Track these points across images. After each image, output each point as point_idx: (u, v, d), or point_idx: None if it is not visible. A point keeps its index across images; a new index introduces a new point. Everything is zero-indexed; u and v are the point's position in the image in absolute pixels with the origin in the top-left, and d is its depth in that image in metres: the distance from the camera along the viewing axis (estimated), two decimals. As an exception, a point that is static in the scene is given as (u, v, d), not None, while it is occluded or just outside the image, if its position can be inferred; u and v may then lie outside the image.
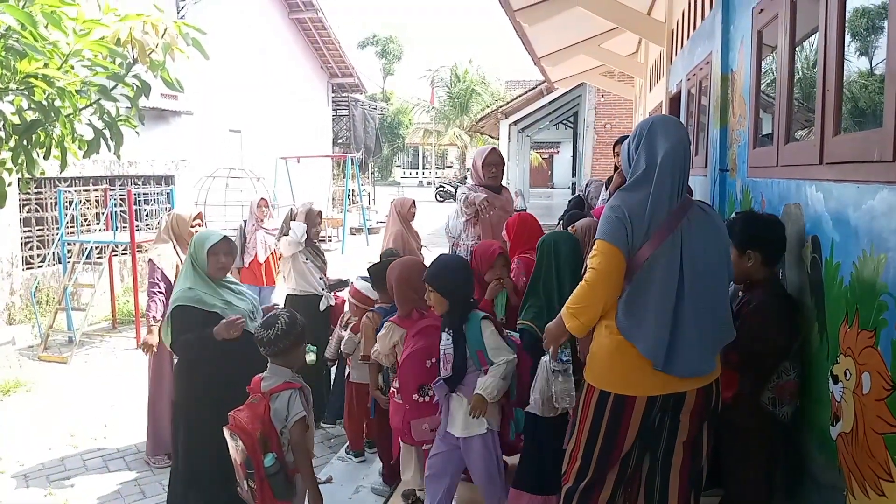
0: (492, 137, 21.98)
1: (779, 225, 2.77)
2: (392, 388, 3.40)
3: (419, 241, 5.92)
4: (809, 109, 2.75)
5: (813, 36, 2.68)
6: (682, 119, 6.52)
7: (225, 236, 3.30)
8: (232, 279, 3.46)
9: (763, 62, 3.54)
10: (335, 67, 18.08)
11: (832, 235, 2.33)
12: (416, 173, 49.13)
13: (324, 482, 2.84)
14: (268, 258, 6.38)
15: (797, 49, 2.94)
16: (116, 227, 8.25)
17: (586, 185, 5.91)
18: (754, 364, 2.64)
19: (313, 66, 17.50)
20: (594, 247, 2.39)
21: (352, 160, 16.96)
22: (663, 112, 7.56)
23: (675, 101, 7.03)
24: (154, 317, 4.22)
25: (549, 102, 18.08)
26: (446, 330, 3.04)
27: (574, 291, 2.44)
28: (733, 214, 3.26)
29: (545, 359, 2.77)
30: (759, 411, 2.63)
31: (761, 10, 3.40)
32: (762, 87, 3.55)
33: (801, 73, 2.97)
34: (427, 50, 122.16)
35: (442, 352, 3.05)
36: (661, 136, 2.40)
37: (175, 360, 4.10)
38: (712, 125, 4.49)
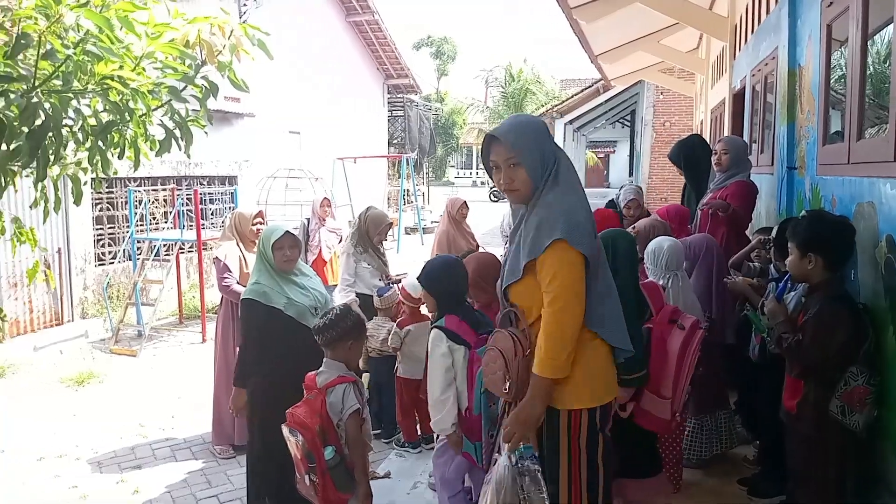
0: (547, 137, 21.77)
1: (847, 228, 2.65)
2: None
3: (472, 241, 5.92)
4: (881, 106, 2.65)
5: (885, 29, 2.58)
6: (748, 116, 6.36)
7: (287, 230, 3.38)
8: (305, 271, 3.52)
9: (832, 57, 3.42)
10: (391, 69, 18.27)
11: (908, 235, 2.24)
12: (470, 173, 49.11)
13: (381, 477, 2.87)
14: (332, 257, 6.50)
15: (868, 43, 2.84)
16: (183, 226, 8.53)
17: (620, 188, 5.79)
18: (817, 371, 2.56)
19: (369, 68, 17.72)
20: (557, 254, 2.08)
21: (407, 160, 17.12)
22: (727, 109, 7.37)
23: (738, 97, 6.86)
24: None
25: (606, 101, 17.86)
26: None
27: (544, 332, 2.09)
28: (802, 213, 3.16)
29: (504, 460, 2.10)
30: (825, 420, 2.54)
31: (831, 2, 3.30)
32: (831, 82, 3.43)
33: (871, 67, 2.86)
34: (481, 50, 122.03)
35: None
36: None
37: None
38: (779, 122, 4.37)
